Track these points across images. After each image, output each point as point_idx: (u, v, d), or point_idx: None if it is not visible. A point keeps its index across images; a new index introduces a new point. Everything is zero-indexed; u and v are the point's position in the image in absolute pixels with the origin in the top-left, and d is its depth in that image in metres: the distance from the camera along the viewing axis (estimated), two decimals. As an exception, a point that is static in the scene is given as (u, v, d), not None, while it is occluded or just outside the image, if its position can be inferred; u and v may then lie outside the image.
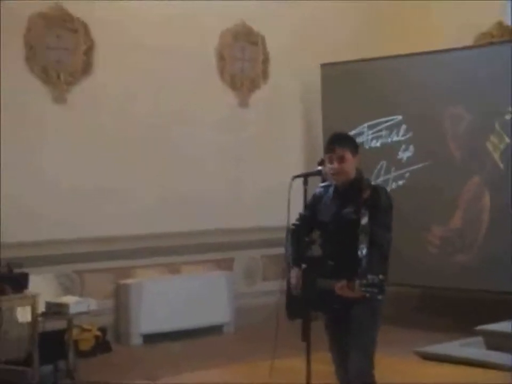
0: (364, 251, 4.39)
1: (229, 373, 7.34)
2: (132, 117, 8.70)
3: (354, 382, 4.56)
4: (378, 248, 4.44)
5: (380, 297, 4.25)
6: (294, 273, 4.64)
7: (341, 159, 4.61)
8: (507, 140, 8.46)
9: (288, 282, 4.70)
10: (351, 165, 4.64)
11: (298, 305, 4.51)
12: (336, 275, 4.43)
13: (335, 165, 4.60)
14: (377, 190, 4.64)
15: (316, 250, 4.59)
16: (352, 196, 4.60)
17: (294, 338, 4.56)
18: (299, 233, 4.66)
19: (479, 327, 7.55)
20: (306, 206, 4.71)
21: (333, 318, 4.67)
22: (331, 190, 4.75)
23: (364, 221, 4.47)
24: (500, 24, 9.49)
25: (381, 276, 4.24)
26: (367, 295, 4.23)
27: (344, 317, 4.57)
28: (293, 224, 4.72)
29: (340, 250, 4.54)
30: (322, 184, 4.80)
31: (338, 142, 4.67)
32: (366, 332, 4.56)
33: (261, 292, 9.37)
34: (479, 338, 7.55)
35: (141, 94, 8.75)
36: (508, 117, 8.41)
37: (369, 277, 4.24)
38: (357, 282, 4.27)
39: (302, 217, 4.70)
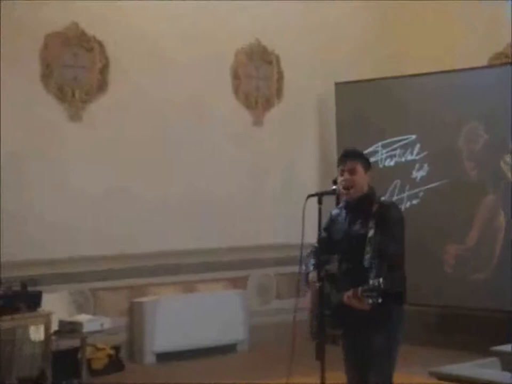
0: (368, 261, 4.41)
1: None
2: (147, 135, 8.72)
3: None
4: (384, 259, 4.42)
5: (380, 300, 4.22)
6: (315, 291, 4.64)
7: (352, 171, 4.64)
8: (521, 159, 8.44)
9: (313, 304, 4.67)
10: (362, 178, 4.66)
11: (316, 324, 4.51)
12: (347, 289, 4.43)
13: (346, 176, 4.62)
14: (386, 204, 4.69)
15: (333, 269, 4.59)
16: (362, 211, 4.62)
17: (308, 357, 4.54)
18: (317, 254, 4.67)
19: (495, 348, 7.49)
20: (324, 229, 4.76)
21: (350, 337, 4.63)
22: (343, 208, 4.76)
23: (371, 233, 4.49)
24: (515, 45, 9.48)
25: (381, 280, 4.23)
26: (369, 300, 4.22)
27: (360, 340, 4.54)
28: (312, 246, 4.74)
29: (353, 266, 4.54)
30: (338, 206, 4.82)
31: (350, 155, 4.71)
32: (385, 356, 4.53)
33: (275, 309, 9.36)
34: (495, 359, 7.49)
35: (156, 112, 8.78)
36: (522, 136, 8.39)
37: (371, 282, 4.26)
38: (360, 289, 4.28)
39: (320, 240, 4.72)
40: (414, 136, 9.19)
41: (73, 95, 8.38)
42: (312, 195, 4.63)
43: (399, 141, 9.30)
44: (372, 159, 9.15)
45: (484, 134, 8.73)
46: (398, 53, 10.07)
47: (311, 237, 4.67)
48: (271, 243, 9.38)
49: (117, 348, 8.15)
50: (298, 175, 9.69)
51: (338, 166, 4.70)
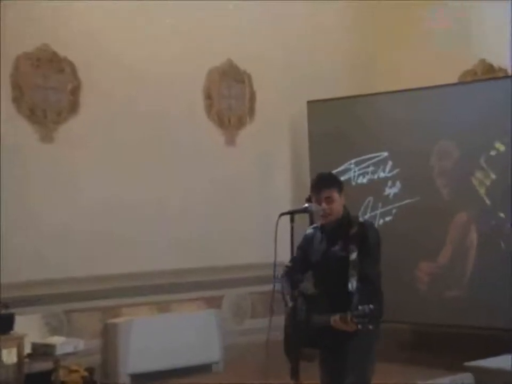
0: (354, 285, 4.43)
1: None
2: (118, 156, 8.70)
3: None
4: (368, 282, 4.47)
5: (371, 327, 4.25)
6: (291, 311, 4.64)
7: (329, 200, 4.66)
8: (492, 176, 8.51)
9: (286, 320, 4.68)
10: (339, 204, 4.69)
11: (290, 343, 4.51)
12: (331, 311, 4.45)
13: (324, 206, 4.64)
14: (364, 226, 4.69)
15: (309, 289, 4.60)
16: (340, 233, 4.64)
17: (283, 376, 4.53)
18: (291, 274, 4.68)
19: (468, 363, 7.52)
20: (297, 248, 4.77)
21: (328, 356, 4.64)
22: (318, 229, 4.77)
23: (353, 256, 4.52)
24: (483, 62, 9.58)
25: (371, 306, 4.25)
26: (359, 326, 4.24)
27: (339, 355, 4.55)
28: (286, 266, 4.74)
29: (333, 288, 4.57)
30: (312, 225, 4.83)
31: (325, 183, 4.71)
32: (362, 369, 4.55)
33: (250, 329, 9.33)
34: (469, 375, 7.52)
35: (128, 133, 8.76)
36: (493, 152, 8.47)
37: (360, 307, 4.27)
38: (349, 314, 4.29)
39: (293, 259, 4.73)
40: (386, 154, 9.25)
41: (45, 116, 8.35)
42: (285, 213, 4.63)
43: (372, 158, 9.35)
44: (344, 177, 9.25)
45: (455, 151, 8.80)
46: (369, 72, 10.15)
47: (285, 256, 4.67)
48: (245, 262, 9.37)
49: (91, 370, 8.09)
50: (271, 194, 9.70)
51: (313, 194, 4.70)
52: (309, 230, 4.86)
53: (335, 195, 4.67)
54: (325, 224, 4.72)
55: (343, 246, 4.59)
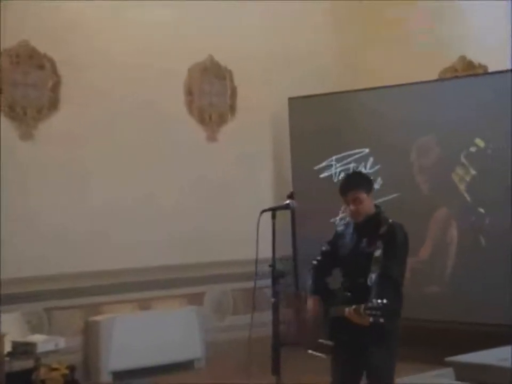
0: (373, 280, 4.51)
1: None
2: (98, 153, 8.67)
3: None
4: (386, 279, 4.54)
5: (382, 320, 4.28)
6: (311, 302, 4.71)
7: (357, 201, 4.70)
8: (472, 172, 8.55)
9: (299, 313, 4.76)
10: (367, 204, 4.74)
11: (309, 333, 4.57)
12: (352, 305, 4.50)
13: (352, 207, 4.69)
14: (394, 227, 4.77)
15: (333, 284, 4.68)
16: (369, 230, 4.72)
17: (265, 372, 4.54)
18: (319, 268, 4.80)
19: (449, 358, 7.55)
20: (328, 243, 4.90)
21: (343, 351, 4.65)
22: (351, 226, 4.85)
23: (377, 253, 4.59)
24: (463, 59, 9.62)
25: (385, 300, 4.28)
26: (371, 319, 4.26)
27: (358, 355, 4.59)
28: (315, 260, 4.80)
29: (356, 282, 4.65)
30: (344, 221, 4.99)
31: (353, 183, 4.76)
32: (386, 372, 4.62)
33: (232, 326, 9.33)
34: (449, 369, 7.56)
35: (108, 130, 8.74)
36: (473, 149, 8.51)
37: (374, 300, 4.33)
38: (362, 306, 4.33)
39: (322, 253, 4.83)
40: (367, 150, 9.27)
41: (24, 113, 8.30)
42: (266, 210, 4.64)
43: (353, 154, 9.37)
44: (326, 173, 9.27)
45: (436, 147, 8.84)
46: (350, 68, 10.17)
47: (266, 253, 4.67)
48: (226, 259, 9.37)
49: (72, 368, 8.05)
50: (252, 190, 9.69)
51: (341, 195, 4.76)
52: (340, 227, 4.97)
53: (363, 195, 4.72)
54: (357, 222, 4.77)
55: (370, 243, 4.67)
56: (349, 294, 4.62)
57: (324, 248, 4.88)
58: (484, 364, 7.35)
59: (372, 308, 4.29)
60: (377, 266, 4.54)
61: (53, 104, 8.46)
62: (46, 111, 8.42)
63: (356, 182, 4.80)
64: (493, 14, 9.14)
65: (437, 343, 8.65)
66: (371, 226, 4.71)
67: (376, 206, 4.83)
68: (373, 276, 4.52)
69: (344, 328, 4.49)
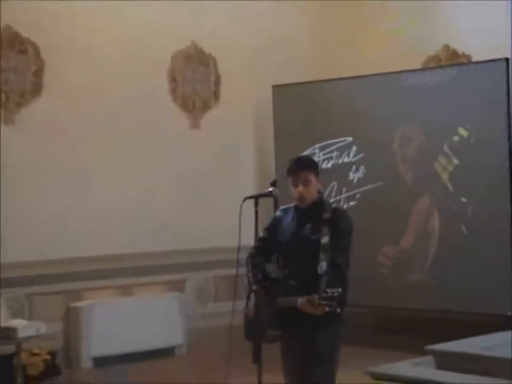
0: (324, 268, 4.44)
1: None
2: (81, 139, 8.64)
3: None
4: (336, 267, 4.48)
5: (339, 310, 4.27)
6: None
7: (306, 182, 4.64)
8: (455, 161, 8.58)
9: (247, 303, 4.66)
10: (314, 187, 4.67)
11: (255, 326, 4.50)
12: (298, 294, 4.45)
13: (300, 188, 4.63)
14: (338, 212, 4.69)
15: (275, 272, 4.59)
16: (313, 216, 4.63)
17: (246, 359, 4.55)
18: (258, 256, 4.67)
19: (429, 347, 7.60)
20: (265, 229, 4.76)
21: (292, 340, 4.65)
22: (292, 211, 4.76)
23: (324, 240, 4.51)
24: (447, 48, 9.63)
25: (340, 289, 4.27)
26: (327, 309, 4.25)
27: (302, 341, 4.56)
28: (252, 247, 4.71)
29: (301, 270, 4.56)
30: (283, 207, 4.82)
31: (302, 165, 4.70)
32: (327, 358, 4.56)
33: (213, 313, 9.34)
34: (430, 358, 7.60)
35: (91, 116, 8.70)
36: (456, 138, 8.54)
37: (328, 290, 4.28)
38: (316, 296, 4.30)
39: (260, 240, 4.72)
40: (350, 139, 9.28)
41: (7, 98, 8.25)
42: (249, 197, 4.63)
43: (336, 143, 9.38)
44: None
45: (418, 136, 8.86)
46: (335, 56, 10.16)
47: (249, 240, 4.67)
48: (208, 246, 9.36)
49: (53, 353, 8.05)
50: (235, 177, 9.69)
51: (290, 176, 4.69)
52: (278, 212, 4.84)
53: (312, 178, 4.66)
54: (298, 206, 4.71)
55: (314, 229, 4.58)
56: (293, 282, 4.54)
57: (261, 235, 4.74)
58: (465, 352, 7.40)
59: (327, 298, 4.26)
60: (326, 253, 4.47)
61: (36, 90, 8.40)
62: (28, 97, 8.37)
63: (308, 163, 4.75)
64: (478, 4, 9.14)
65: (418, 332, 8.71)
66: (314, 212, 4.64)
67: (319, 192, 4.77)
68: (323, 264, 4.45)
69: (291, 317, 4.45)
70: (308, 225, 4.62)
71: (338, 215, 4.64)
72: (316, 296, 4.30)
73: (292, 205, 4.76)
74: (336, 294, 4.25)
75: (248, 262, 4.68)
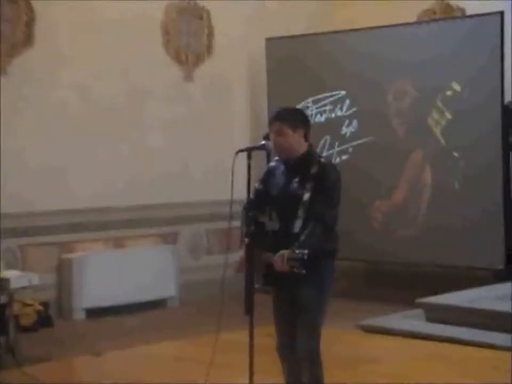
0: (299, 226, 4.44)
1: (173, 346, 7.35)
2: (73, 90, 8.59)
3: (302, 361, 4.61)
4: (318, 224, 4.45)
5: (304, 271, 4.29)
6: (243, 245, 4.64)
7: (278, 133, 4.60)
8: (448, 116, 8.57)
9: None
10: (290, 139, 4.61)
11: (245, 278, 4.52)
12: (277, 249, 4.44)
13: (273, 137, 4.62)
14: (325, 166, 4.62)
15: (268, 224, 4.60)
16: (300, 171, 4.60)
17: (239, 311, 4.58)
18: (252, 208, 4.66)
19: (419, 300, 7.67)
20: (260, 180, 4.74)
21: (280, 293, 4.68)
22: (282, 164, 4.74)
23: (306, 197, 4.49)
24: (442, 1, 9.58)
25: (306, 251, 4.28)
26: (294, 269, 4.28)
27: (291, 295, 4.59)
28: (247, 200, 4.70)
29: (284, 224, 4.56)
30: (277, 158, 4.79)
31: (278, 116, 4.67)
32: (313, 310, 4.59)
33: (206, 266, 9.38)
34: (420, 311, 7.68)
35: (83, 67, 8.64)
36: (449, 92, 8.52)
37: (297, 251, 4.30)
38: (286, 255, 4.32)
39: (255, 192, 4.71)
40: (343, 92, 9.26)
41: (4, 49, 8.18)
42: (242, 150, 4.60)
43: (329, 97, 9.35)
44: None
45: (412, 90, 8.84)
46: (328, 9, 10.09)
47: (241, 193, 4.67)
48: (201, 199, 9.38)
49: (46, 304, 8.09)
50: (228, 130, 9.68)
51: (269, 126, 4.68)
52: (272, 163, 4.81)
53: (286, 129, 4.60)
54: (286, 159, 4.69)
55: (300, 185, 4.57)
56: (277, 236, 4.53)
57: (256, 186, 4.71)
58: (453, 305, 7.48)
59: (293, 259, 4.29)
60: (305, 211, 4.46)
61: (27, 40, 8.33)
62: (20, 47, 8.29)
63: (282, 116, 4.67)
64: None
65: (409, 286, 8.78)
66: (301, 166, 4.60)
67: (308, 146, 4.72)
68: (298, 222, 4.44)
69: (277, 272, 4.47)
70: (295, 180, 4.59)
71: (325, 169, 4.59)
72: (284, 255, 4.32)
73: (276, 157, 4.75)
74: (301, 256, 4.27)
75: (242, 215, 4.69)
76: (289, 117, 4.68)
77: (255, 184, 4.72)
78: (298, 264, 4.28)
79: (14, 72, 8.26)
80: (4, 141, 8.06)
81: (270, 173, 4.77)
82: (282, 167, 4.72)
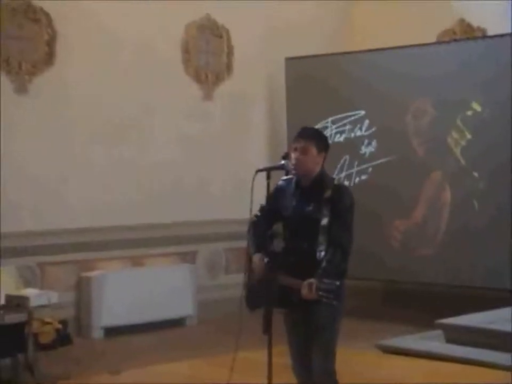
0: (323, 253, 4.43)
1: (191, 365, 7.34)
2: (94, 109, 8.64)
3: (319, 381, 4.59)
4: (337, 250, 4.44)
5: (335, 303, 4.28)
6: (257, 259, 4.62)
7: (304, 151, 4.60)
8: (468, 135, 8.55)
9: (249, 273, 4.68)
10: (313, 159, 4.62)
11: (259, 296, 4.51)
12: (296, 272, 4.43)
13: (297, 155, 4.61)
14: (340, 190, 4.62)
15: (277, 245, 4.57)
16: (314, 193, 4.60)
17: (257, 331, 4.56)
18: (259, 225, 4.66)
19: (439, 321, 7.63)
20: (267, 198, 4.72)
21: (294, 314, 4.67)
22: (293, 183, 4.74)
23: (324, 221, 4.48)
24: (462, 22, 9.58)
25: (337, 282, 4.27)
26: (324, 300, 4.26)
27: (304, 315, 4.58)
28: (254, 216, 4.71)
29: (300, 247, 4.54)
30: (285, 177, 4.78)
31: (305, 134, 4.68)
32: (328, 331, 4.57)
33: (224, 285, 9.38)
34: (439, 332, 7.63)
35: (105, 86, 8.69)
36: (469, 112, 8.50)
37: (327, 281, 4.27)
38: (315, 284, 4.28)
39: (262, 209, 4.71)
40: (363, 112, 9.25)
41: (20, 67, 8.24)
42: (261, 170, 4.60)
43: (349, 116, 9.35)
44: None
45: (432, 110, 8.83)
46: (348, 29, 10.11)
47: (260, 212, 4.67)
48: (220, 218, 9.39)
49: (64, 322, 8.08)
50: (248, 150, 9.70)
51: (293, 143, 4.68)
52: (281, 182, 4.80)
53: (312, 149, 4.62)
54: (300, 180, 4.69)
55: (316, 209, 4.54)
56: (292, 258, 4.49)
57: (263, 204, 4.69)
58: (473, 326, 7.42)
59: (325, 290, 4.25)
60: (325, 236, 4.44)
61: (49, 59, 8.39)
62: (41, 66, 8.36)
63: (310, 133, 4.70)
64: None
65: (428, 306, 8.72)
66: (315, 189, 4.60)
67: (322, 169, 4.67)
68: (322, 249, 4.42)
69: (293, 294, 4.44)
70: (309, 204, 4.58)
71: (339, 192, 4.59)
72: (314, 284, 4.29)
73: (293, 174, 4.71)
74: (334, 286, 4.25)
75: (249, 234, 4.69)
76: (315, 135, 4.70)
77: (262, 203, 4.71)
78: (332, 296, 4.26)
79: (35, 91, 8.31)
80: (24, 159, 8.12)
81: (278, 192, 4.76)
82: (292, 187, 4.72)
